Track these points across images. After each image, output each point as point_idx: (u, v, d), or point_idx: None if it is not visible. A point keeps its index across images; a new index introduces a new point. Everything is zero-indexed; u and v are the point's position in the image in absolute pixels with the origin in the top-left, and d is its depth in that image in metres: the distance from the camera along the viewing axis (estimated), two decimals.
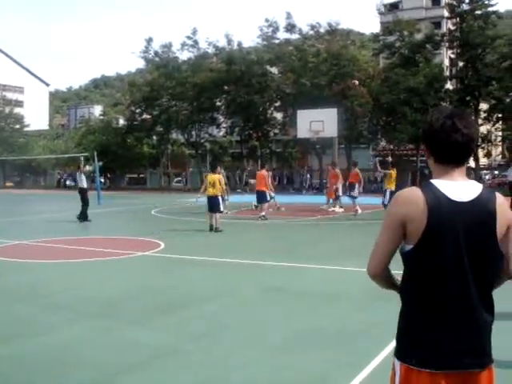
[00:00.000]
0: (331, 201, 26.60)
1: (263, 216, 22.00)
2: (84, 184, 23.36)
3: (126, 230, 19.36)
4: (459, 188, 2.64)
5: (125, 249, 14.55)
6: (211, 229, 18.34)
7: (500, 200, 2.67)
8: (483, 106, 48.97)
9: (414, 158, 49.73)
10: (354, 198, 24.22)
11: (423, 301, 2.66)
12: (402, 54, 48.84)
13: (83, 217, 21.94)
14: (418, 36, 48.66)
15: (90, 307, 8.67)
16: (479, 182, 2.79)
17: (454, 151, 2.67)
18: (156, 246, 14.87)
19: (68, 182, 70.92)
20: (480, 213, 2.61)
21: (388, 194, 21.74)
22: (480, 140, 47.65)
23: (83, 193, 22.73)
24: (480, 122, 47.70)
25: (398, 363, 2.71)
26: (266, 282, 10.46)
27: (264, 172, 23.48)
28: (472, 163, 50.34)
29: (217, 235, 17.72)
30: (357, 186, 24.65)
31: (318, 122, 31.97)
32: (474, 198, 2.62)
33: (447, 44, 50.88)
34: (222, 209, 19.35)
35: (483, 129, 48.72)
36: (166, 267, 12.34)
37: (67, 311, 8.46)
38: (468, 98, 47.18)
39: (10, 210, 29.42)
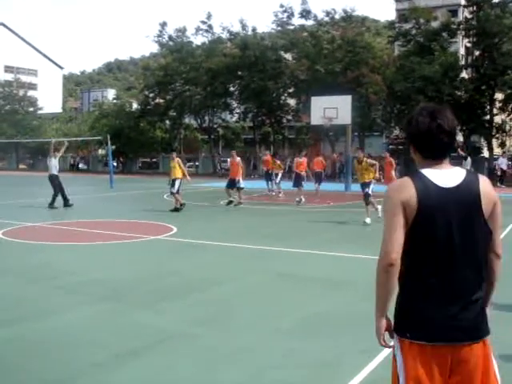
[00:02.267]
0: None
1: (299, 200, 23.10)
2: (54, 170, 21.47)
3: (139, 213, 19.40)
4: (445, 175, 2.87)
5: (137, 232, 14.60)
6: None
7: (483, 181, 2.91)
8: (498, 95, 48.54)
9: None
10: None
11: (417, 280, 2.85)
12: (418, 42, 48.44)
13: (51, 204, 20.62)
14: (434, 24, 48.23)
15: (100, 290, 8.71)
16: (493, 172, 2.96)
17: (440, 149, 2.93)
18: (168, 230, 14.91)
19: (81, 165, 71.16)
20: (466, 196, 2.84)
21: None
22: (494, 130, 47.36)
23: (52, 179, 21.22)
24: (495, 111, 47.36)
25: (396, 337, 2.92)
26: (276, 268, 10.47)
27: (303, 159, 25.53)
28: (486, 153, 50.09)
29: (230, 220, 17.73)
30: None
31: (332, 109, 31.87)
32: (459, 183, 2.86)
33: (463, 32, 50.38)
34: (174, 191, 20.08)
35: (498, 119, 48.33)
36: (178, 251, 12.37)
37: (77, 293, 8.51)
38: (483, 88, 46.75)
39: (22, 192, 29.56)
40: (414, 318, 2.86)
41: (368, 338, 6.14)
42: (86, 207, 21.72)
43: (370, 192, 16.82)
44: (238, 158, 23.37)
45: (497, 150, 50.93)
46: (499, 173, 40.35)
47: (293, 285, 9.19)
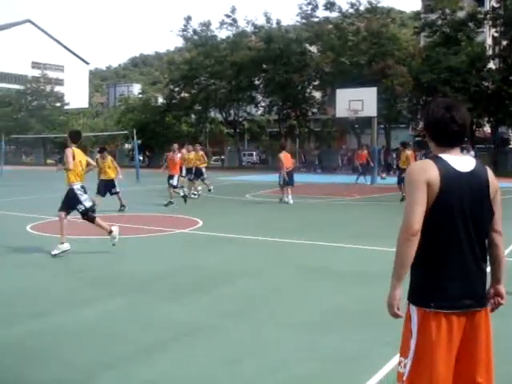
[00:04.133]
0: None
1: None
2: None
3: (165, 207, 19.50)
4: (459, 161, 3.24)
5: (163, 226, 14.68)
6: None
7: (490, 171, 3.33)
8: None
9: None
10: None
11: (438, 253, 3.17)
12: (444, 33, 47.95)
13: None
14: (461, 14, 47.68)
15: (127, 283, 8.79)
16: None
17: (452, 138, 3.28)
18: (194, 224, 14.97)
19: None
20: (478, 181, 3.22)
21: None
22: None
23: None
24: None
25: (414, 308, 3.23)
26: (301, 261, 10.48)
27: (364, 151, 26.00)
28: None
29: (256, 214, 17.74)
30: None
31: (357, 101, 31.71)
32: (472, 169, 3.23)
33: (490, 22, 49.75)
34: (117, 189, 19.20)
35: None
36: (204, 245, 12.42)
37: (104, 286, 8.59)
38: (511, 78, 46.20)
39: (49, 186, 29.80)
40: (437, 288, 3.18)
41: (393, 332, 6.13)
42: (112, 201, 21.84)
43: None
44: (179, 154, 21.57)
45: None
46: None
47: (318, 278, 9.19)
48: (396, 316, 3.26)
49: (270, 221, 16.50)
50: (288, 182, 20.75)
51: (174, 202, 19.92)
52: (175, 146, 21.73)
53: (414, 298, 3.23)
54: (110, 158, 19.31)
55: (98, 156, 19.34)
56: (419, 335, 3.17)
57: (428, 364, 3.12)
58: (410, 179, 3.18)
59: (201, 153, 24.45)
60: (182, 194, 20.57)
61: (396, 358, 5.37)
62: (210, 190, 24.00)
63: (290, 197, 20.56)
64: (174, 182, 20.68)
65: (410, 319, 3.26)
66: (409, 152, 21.47)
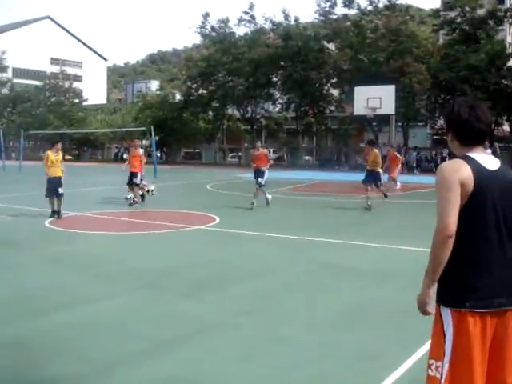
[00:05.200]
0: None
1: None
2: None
3: (182, 203, 19.54)
4: (488, 160, 3.25)
5: (180, 222, 14.70)
6: (56, 214, 15.64)
7: (510, 169, 3.36)
8: None
9: None
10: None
11: (474, 253, 3.16)
12: (463, 30, 47.66)
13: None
14: (480, 11, 47.36)
15: (142, 279, 8.82)
16: None
17: (478, 137, 3.29)
18: (211, 221, 14.99)
19: (125, 156, 71.80)
20: (505, 178, 3.25)
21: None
22: None
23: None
24: None
25: (447, 311, 3.18)
26: (318, 259, 10.45)
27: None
28: None
29: (274, 211, 17.73)
30: None
31: (376, 99, 31.68)
32: (498, 167, 3.25)
33: (510, 20, 49.43)
34: (60, 191, 15.79)
35: None
36: (220, 241, 12.42)
37: (120, 282, 8.63)
38: None
39: (67, 182, 29.98)
40: (472, 288, 3.14)
41: (410, 331, 6.13)
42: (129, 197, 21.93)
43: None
44: (142, 150, 20.49)
45: None
46: None
47: (335, 276, 9.16)
48: (426, 313, 3.26)
49: (286, 218, 16.48)
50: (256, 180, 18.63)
51: (139, 200, 19.05)
52: (137, 141, 20.86)
53: (447, 299, 3.20)
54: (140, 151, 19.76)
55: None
56: (455, 337, 3.14)
57: (467, 365, 3.10)
58: (442, 179, 3.16)
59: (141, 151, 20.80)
60: (143, 191, 19.83)
61: (414, 358, 5.40)
62: (148, 192, 20.62)
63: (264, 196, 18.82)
64: (138, 179, 19.29)
65: (440, 322, 3.22)
66: (376, 150, 19.12)
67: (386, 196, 19.31)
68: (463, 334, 3.12)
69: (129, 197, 19.48)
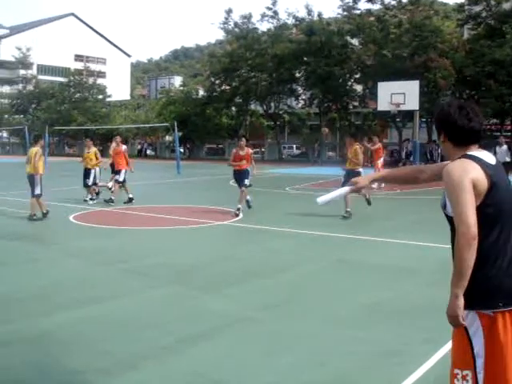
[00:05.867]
0: None
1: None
2: None
3: (205, 199, 19.61)
4: (487, 156, 3.22)
5: (203, 218, 14.76)
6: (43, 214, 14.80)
7: None
8: None
9: (498, 134, 48.21)
10: None
11: (494, 252, 3.10)
12: (488, 25, 47.10)
13: None
14: (506, 5, 46.78)
15: (167, 274, 8.88)
16: None
17: (470, 135, 3.25)
18: (235, 216, 15.02)
19: (148, 152, 72.18)
20: (503, 172, 3.27)
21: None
22: None
23: None
24: None
25: (475, 315, 3.10)
26: (339, 255, 10.46)
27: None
28: None
29: (295, 207, 17.72)
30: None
31: (399, 95, 31.45)
32: (496, 161, 3.25)
33: None
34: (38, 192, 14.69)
35: None
36: (243, 237, 12.47)
37: (145, 277, 8.71)
38: None
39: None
40: (501, 287, 3.09)
41: (433, 327, 6.10)
42: (153, 193, 22.07)
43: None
44: (124, 146, 19.93)
45: None
46: None
47: (356, 272, 9.15)
48: (461, 326, 3.11)
49: (309, 214, 16.46)
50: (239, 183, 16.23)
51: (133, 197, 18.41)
52: (118, 138, 20.09)
53: (476, 302, 3.11)
54: (94, 149, 19.44)
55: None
56: (487, 340, 3.07)
57: (502, 367, 3.05)
58: (454, 182, 3.07)
59: (93, 149, 19.89)
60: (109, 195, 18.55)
61: (438, 355, 5.37)
62: (98, 194, 19.21)
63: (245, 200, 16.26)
64: (121, 177, 18.70)
65: (464, 328, 3.12)
66: (358, 147, 16.14)
67: (369, 203, 16.38)
68: (496, 335, 3.06)
69: (88, 198, 18.60)
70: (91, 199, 18.53)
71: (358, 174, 14.53)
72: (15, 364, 5.34)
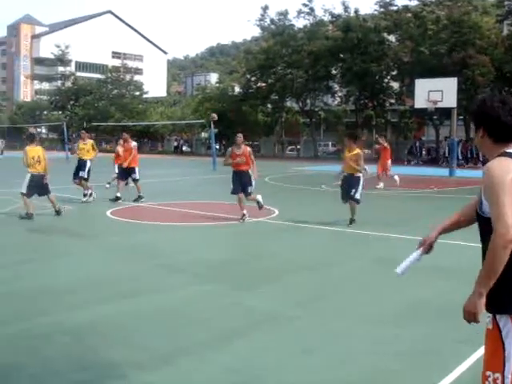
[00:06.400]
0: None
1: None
2: None
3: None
4: None
5: (240, 214, 14.79)
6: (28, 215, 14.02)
7: None
8: None
9: None
10: None
11: None
12: None
13: None
14: None
15: (202, 270, 8.96)
16: None
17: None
18: (270, 213, 15.05)
19: (184, 148, 72.54)
20: None
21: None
22: None
23: None
24: None
25: (506, 319, 3.04)
26: (375, 253, 10.42)
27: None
28: None
29: (332, 204, 17.66)
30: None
31: (437, 92, 31.12)
32: None
33: None
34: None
35: None
36: (279, 233, 12.49)
37: (180, 273, 8.79)
38: None
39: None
40: None
41: (470, 327, 6.03)
42: (189, 189, 22.21)
43: None
44: (134, 143, 19.70)
45: None
46: None
47: (392, 271, 9.09)
48: (477, 322, 3.10)
49: (344, 212, 16.42)
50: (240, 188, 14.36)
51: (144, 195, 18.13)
52: (125, 134, 19.82)
53: (508, 305, 3.06)
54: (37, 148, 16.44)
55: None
56: None
57: None
58: (494, 182, 2.97)
59: (90, 141, 19.46)
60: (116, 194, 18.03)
61: (474, 357, 5.32)
62: (90, 195, 18.18)
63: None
64: (137, 175, 18.51)
65: (498, 331, 3.09)
66: (359, 150, 14.02)
67: (351, 221, 13.78)
68: None
69: (85, 195, 17.88)
70: (85, 195, 17.86)
71: (358, 179, 13.72)
72: (55, 356, 5.44)
